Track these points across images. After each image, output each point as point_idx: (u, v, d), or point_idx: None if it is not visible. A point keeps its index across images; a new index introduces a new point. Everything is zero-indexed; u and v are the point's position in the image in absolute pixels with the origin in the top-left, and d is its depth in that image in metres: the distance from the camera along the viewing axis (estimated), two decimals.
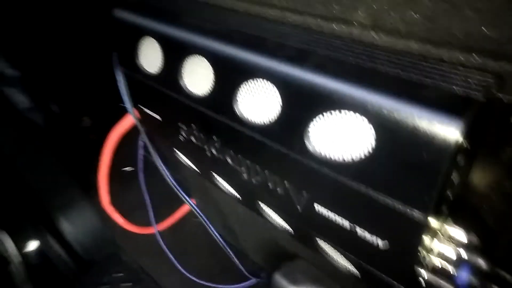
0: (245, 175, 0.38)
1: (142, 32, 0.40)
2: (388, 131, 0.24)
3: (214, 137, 0.39)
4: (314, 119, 0.28)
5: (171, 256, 0.74)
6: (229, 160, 0.39)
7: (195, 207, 0.66)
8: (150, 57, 0.40)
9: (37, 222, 0.93)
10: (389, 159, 0.25)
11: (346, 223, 0.31)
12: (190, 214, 0.88)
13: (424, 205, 0.24)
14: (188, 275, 0.75)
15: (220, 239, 0.69)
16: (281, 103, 0.30)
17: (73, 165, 1.02)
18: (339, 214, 0.31)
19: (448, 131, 0.21)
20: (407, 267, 0.28)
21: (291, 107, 0.29)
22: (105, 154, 0.64)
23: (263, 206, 0.40)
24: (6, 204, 0.86)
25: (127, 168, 1.01)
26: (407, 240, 0.27)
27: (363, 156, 0.26)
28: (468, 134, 0.22)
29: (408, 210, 0.25)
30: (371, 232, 0.29)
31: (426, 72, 0.24)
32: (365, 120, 0.25)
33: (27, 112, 1.19)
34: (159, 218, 0.83)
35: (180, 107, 0.39)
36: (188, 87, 0.37)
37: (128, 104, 0.48)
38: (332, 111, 0.27)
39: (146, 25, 0.39)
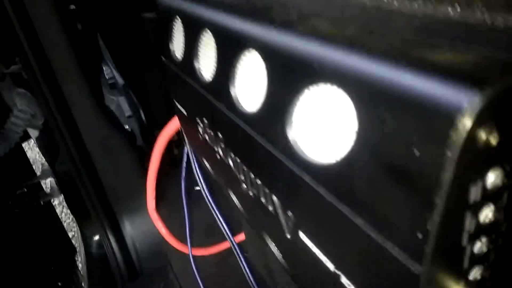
0: (244, 185, 0.31)
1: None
2: (371, 114, 0.15)
3: (219, 132, 0.33)
4: (297, 102, 0.20)
5: (200, 283, 0.68)
6: (231, 164, 0.33)
7: (235, 244, 0.60)
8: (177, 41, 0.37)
9: (103, 219, 0.97)
10: (370, 163, 0.15)
11: (330, 267, 0.21)
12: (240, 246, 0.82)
13: (417, 249, 0.14)
14: None
15: (255, 284, 0.61)
16: (267, 82, 0.23)
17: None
18: (321, 250, 0.21)
19: (453, 110, 0.12)
20: None
21: (274, 85, 0.22)
22: (154, 158, 0.63)
23: (263, 232, 0.32)
24: (80, 196, 0.93)
25: (197, 188, 1.01)
26: None
27: (343, 156, 0.17)
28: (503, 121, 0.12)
29: (399, 256, 0.15)
30: (354, 283, 0.19)
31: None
32: (346, 95, 0.16)
33: (127, 120, 1.31)
34: (209, 242, 0.78)
35: (192, 94, 0.35)
36: (199, 69, 0.33)
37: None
38: (317, 85, 0.19)
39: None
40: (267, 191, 0.27)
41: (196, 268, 0.70)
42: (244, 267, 0.62)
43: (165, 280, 0.95)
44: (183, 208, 0.66)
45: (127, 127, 1.24)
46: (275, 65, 0.22)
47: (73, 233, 1.36)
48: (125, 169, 1.03)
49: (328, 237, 0.21)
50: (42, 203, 0.99)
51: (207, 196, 0.57)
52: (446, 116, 0.12)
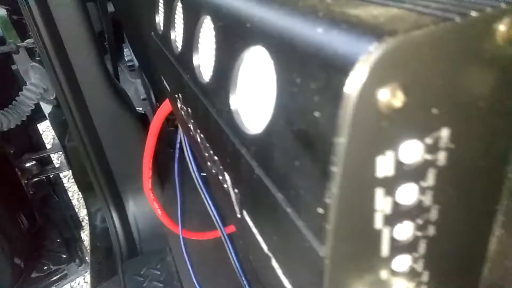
0: (208, 163, 0.30)
1: None
2: (285, 74, 0.14)
3: (189, 108, 0.32)
4: (236, 68, 0.19)
5: (190, 268, 0.67)
6: (199, 140, 0.31)
7: (223, 231, 0.59)
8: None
9: (107, 197, 0.98)
10: (285, 130, 0.14)
11: (264, 248, 0.20)
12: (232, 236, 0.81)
13: (319, 227, 0.13)
14: None
15: (242, 275, 0.60)
16: (215, 48, 0.21)
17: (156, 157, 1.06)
18: (258, 230, 0.20)
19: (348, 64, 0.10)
20: None
21: (219, 50, 0.21)
22: (149, 139, 0.63)
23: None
24: (87, 172, 0.94)
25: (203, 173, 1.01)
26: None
27: (266, 125, 0.16)
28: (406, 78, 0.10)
29: (308, 235, 0.14)
30: (281, 266, 0.18)
31: None
32: (269, 56, 0.15)
33: (142, 103, 1.32)
34: (209, 227, 0.78)
35: (170, 67, 0.34)
36: (173, 40, 0.32)
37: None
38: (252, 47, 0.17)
39: None
40: (221, 167, 0.26)
41: (186, 250, 0.70)
42: (232, 256, 0.61)
43: (163, 262, 0.96)
44: (177, 190, 0.65)
45: (141, 109, 1.25)
46: (220, 30, 0.20)
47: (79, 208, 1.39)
48: (133, 150, 1.04)
49: (261, 216, 0.19)
50: (51, 177, 1.02)
51: (197, 181, 0.56)
52: (342, 70, 0.11)
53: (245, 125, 0.19)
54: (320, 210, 0.12)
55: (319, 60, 0.11)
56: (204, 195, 0.59)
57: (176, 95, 0.36)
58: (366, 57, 0.10)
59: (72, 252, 1.07)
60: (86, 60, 0.86)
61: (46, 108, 1.02)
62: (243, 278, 0.61)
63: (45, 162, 0.99)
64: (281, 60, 0.14)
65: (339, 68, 0.11)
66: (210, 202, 0.58)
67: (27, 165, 0.94)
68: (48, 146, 1.02)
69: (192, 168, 0.55)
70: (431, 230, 0.15)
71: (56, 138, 1.00)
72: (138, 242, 1.01)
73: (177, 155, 0.60)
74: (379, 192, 0.12)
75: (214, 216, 0.59)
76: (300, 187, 0.14)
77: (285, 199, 0.15)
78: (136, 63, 1.17)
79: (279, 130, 0.15)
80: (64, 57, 0.83)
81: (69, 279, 1.04)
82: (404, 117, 0.11)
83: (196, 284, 0.69)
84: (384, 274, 0.15)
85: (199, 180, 0.56)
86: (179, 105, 0.37)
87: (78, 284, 1.29)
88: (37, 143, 1.00)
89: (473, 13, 0.11)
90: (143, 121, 1.09)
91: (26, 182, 0.95)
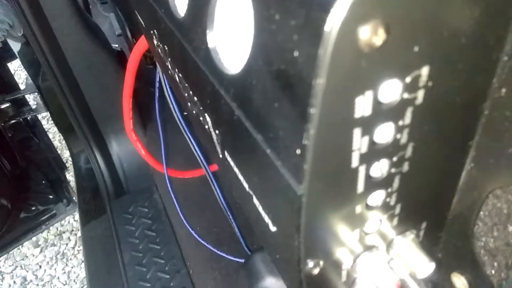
0: (189, 104, 0.30)
1: None
2: (263, 10, 0.13)
3: (165, 46, 0.30)
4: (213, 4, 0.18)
5: (176, 204, 0.69)
6: (177, 80, 0.30)
7: (208, 169, 0.60)
8: None
9: (89, 137, 0.97)
10: (263, 70, 0.13)
11: (246, 186, 0.20)
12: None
13: (297, 167, 0.13)
14: (189, 227, 0.70)
15: (227, 209, 0.62)
16: None
17: (136, 96, 1.04)
18: (239, 170, 0.20)
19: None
20: (293, 266, 0.17)
21: None
22: (127, 78, 0.61)
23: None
24: (66, 114, 0.92)
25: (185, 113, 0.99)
26: (289, 226, 0.15)
27: (245, 64, 0.15)
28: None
29: (286, 175, 0.14)
30: (261, 203, 0.18)
31: None
32: None
33: (117, 39, 1.25)
34: (192, 165, 0.79)
35: (143, 0, 0.32)
36: None
37: None
38: None
39: None
40: (201, 108, 0.25)
41: (172, 188, 0.71)
42: (217, 193, 0.62)
43: (150, 199, 0.98)
44: (159, 130, 0.65)
45: (117, 45, 1.19)
46: None
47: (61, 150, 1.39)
48: (112, 89, 1.01)
49: (242, 157, 0.19)
50: (28, 119, 0.99)
51: (179, 121, 0.56)
52: (321, 7, 0.10)
53: (224, 65, 0.18)
54: (298, 151, 0.12)
55: None
56: (187, 135, 0.58)
57: (152, 32, 0.34)
58: None
59: (58, 193, 1.08)
60: None
61: (15, 46, 0.96)
62: (229, 213, 0.63)
63: (21, 103, 0.96)
64: None
65: (318, 4, 0.10)
66: (193, 142, 0.58)
67: (2, 106, 0.91)
68: (22, 87, 0.98)
69: (174, 108, 0.54)
70: (405, 167, 0.15)
71: (30, 78, 0.95)
72: (124, 182, 1.02)
73: (157, 94, 0.59)
74: (356, 132, 0.12)
75: (198, 156, 0.60)
76: (279, 129, 0.13)
77: (264, 140, 0.15)
78: None
79: (258, 70, 0.14)
80: None
81: (59, 218, 1.07)
82: (385, 56, 0.11)
83: (183, 219, 0.72)
84: (359, 208, 0.15)
85: (181, 121, 0.55)
86: (155, 42, 0.35)
87: (68, 222, 1.33)
88: (9, 84, 0.96)
89: None
90: (120, 59, 1.05)
91: (3, 125, 0.93)
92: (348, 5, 0.10)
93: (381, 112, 0.12)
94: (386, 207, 0.16)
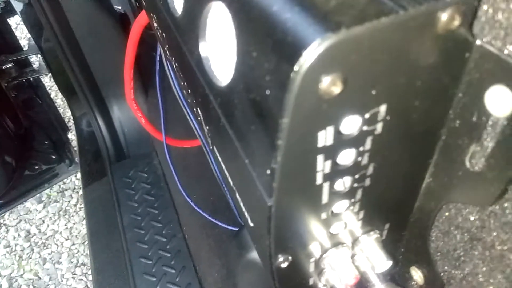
0: (184, 91, 0.31)
1: None
2: (245, 38, 0.14)
3: (164, 33, 0.31)
4: (206, 15, 0.19)
5: (173, 172, 0.72)
6: (175, 65, 0.32)
7: (203, 139, 0.61)
8: None
9: (91, 101, 0.98)
10: (243, 91, 0.15)
11: (230, 181, 0.22)
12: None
13: (268, 184, 0.15)
14: (185, 195, 0.73)
15: (223, 181, 0.65)
16: None
17: (138, 62, 1.04)
18: (225, 165, 0.22)
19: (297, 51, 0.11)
20: (266, 259, 0.19)
21: None
22: (128, 48, 0.61)
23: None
24: (68, 77, 0.93)
25: None
26: (262, 227, 0.18)
27: (230, 79, 0.17)
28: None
29: (257, 181, 0.16)
30: (242, 200, 0.20)
31: None
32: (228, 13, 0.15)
33: (121, 1, 1.23)
34: (191, 135, 0.81)
35: None
36: None
37: None
38: None
39: None
40: (194, 102, 0.27)
41: (170, 157, 0.74)
42: (213, 166, 0.64)
43: (150, 165, 1.01)
44: (159, 101, 0.66)
45: (120, 7, 1.17)
46: None
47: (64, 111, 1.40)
48: (114, 53, 1.00)
49: (227, 156, 0.21)
50: (31, 79, 1.00)
51: (176, 91, 0.57)
52: (289, 58, 0.11)
53: (214, 73, 0.20)
54: (268, 171, 0.14)
55: (272, 42, 0.12)
56: (186, 110, 0.60)
57: (151, 15, 0.35)
58: (310, 50, 0.11)
59: (61, 153, 1.11)
60: None
61: (17, 6, 0.95)
62: (223, 184, 0.66)
63: (23, 64, 0.96)
64: (241, 24, 0.14)
65: (287, 54, 0.12)
66: (191, 116, 0.60)
67: (5, 67, 0.92)
68: (25, 42, 0.98)
69: (173, 82, 0.55)
70: (367, 182, 0.17)
71: (32, 39, 0.95)
72: (125, 146, 1.05)
73: (157, 67, 0.60)
74: (320, 158, 0.14)
75: (195, 128, 0.62)
76: (254, 147, 0.15)
77: (243, 152, 0.17)
78: None
79: (239, 92, 0.16)
80: None
81: (61, 177, 1.10)
82: (343, 100, 0.12)
83: (180, 187, 0.75)
84: (324, 215, 0.17)
85: (181, 96, 0.57)
86: (155, 24, 0.36)
87: (71, 180, 1.37)
88: (12, 44, 0.96)
89: (417, 6, 0.11)
90: (123, 22, 1.04)
91: (6, 85, 0.94)
92: (312, 59, 0.11)
93: (342, 142, 0.14)
94: (350, 213, 0.18)
